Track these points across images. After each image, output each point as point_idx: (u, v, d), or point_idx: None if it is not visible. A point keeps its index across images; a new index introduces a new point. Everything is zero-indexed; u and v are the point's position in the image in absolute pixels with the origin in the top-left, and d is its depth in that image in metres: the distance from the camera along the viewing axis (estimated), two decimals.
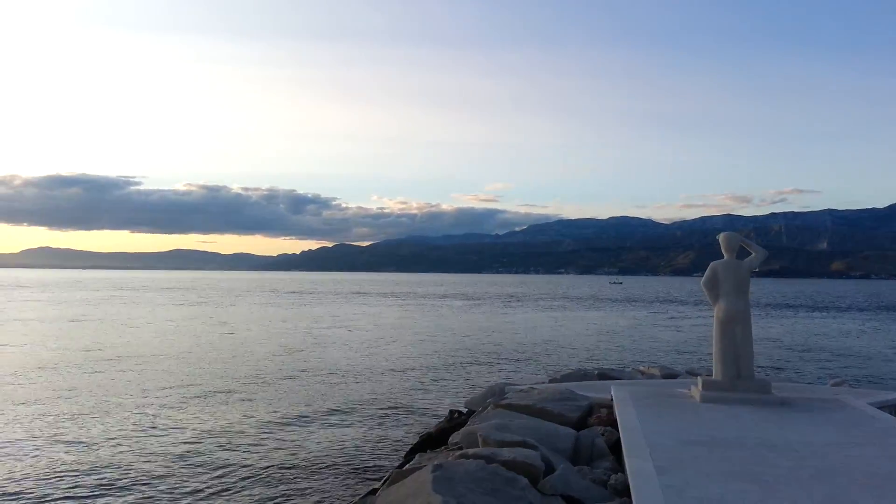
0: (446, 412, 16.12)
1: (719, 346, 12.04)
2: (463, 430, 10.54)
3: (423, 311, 64.87)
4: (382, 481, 10.78)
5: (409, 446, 13.82)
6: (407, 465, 9.93)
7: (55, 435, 15.16)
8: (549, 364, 27.82)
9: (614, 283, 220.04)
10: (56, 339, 34.85)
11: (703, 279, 12.35)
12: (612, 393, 11.91)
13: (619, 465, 8.63)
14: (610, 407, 11.41)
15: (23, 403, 18.54)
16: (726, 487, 6.96)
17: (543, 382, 16.51)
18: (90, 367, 25.39)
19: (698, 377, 13.00)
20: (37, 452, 13.76)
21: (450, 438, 11.13)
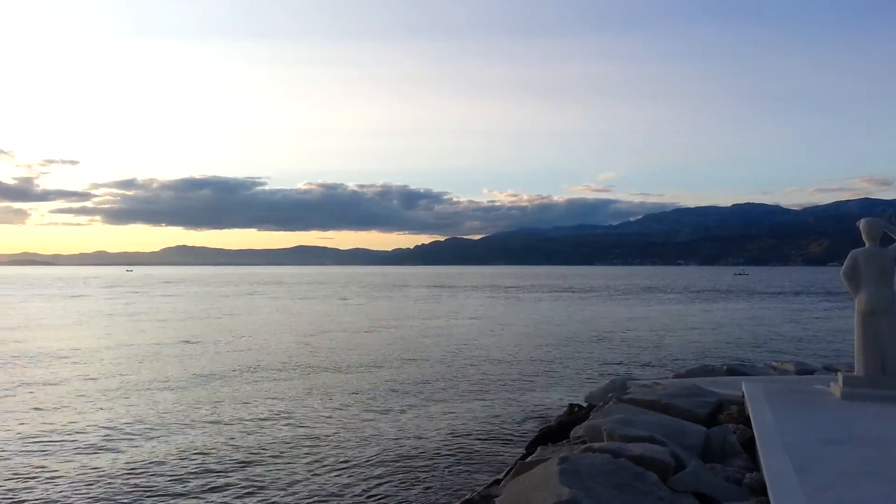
0: (565, 406, 16.10)
1: (861, 340, 11.29)
2: (586, 423, 10.52)
3: (534, 303, 64.61)
4: (505, 472, 10.97)
5: (529, 439, 13.93)
6: (530, 458, 10.04)
7: (189, 418, 16.55)
8: (671, 359, 26.99)
9: (739, 274, 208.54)
10: (198, 331, 37.71)
11: (843, 269, 11.61)
12: (744, 389, 11.45)
13: (754, 464, 8.34)
14: (741, 404, 10.99)
15: (166, 387, 20.31)
16: (870, 489, 6.58)
17: (667, 378, 16.11)
18: (228, 356, 27.33)
19: (838, 373, 12.23)
20: (178, 435, 15.08)
21: (571, 432, 11.15)
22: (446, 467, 12.73)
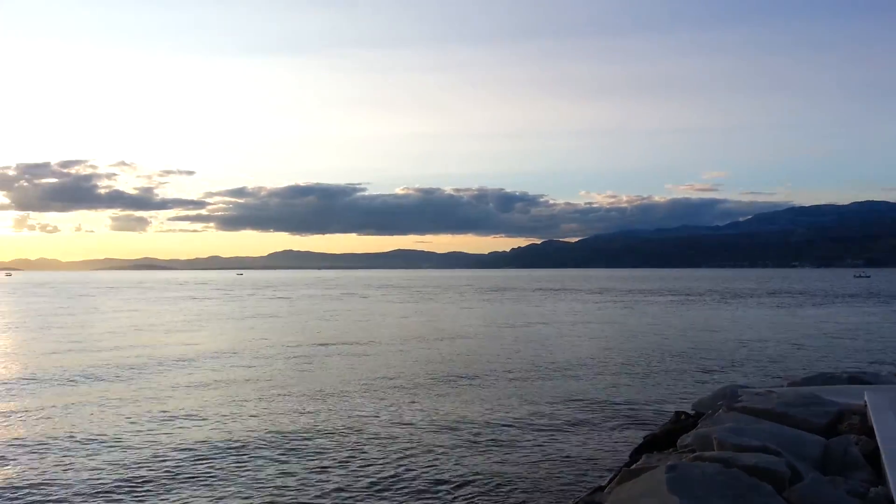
0: (670, 413, 15.68)
1: None
2: (694, 432, 10.25)
3: (636, 307, 62.88)
4: (609, 479, 10.85)
5: (633, 446, 13.68)
6: (635, 465, 9.89)
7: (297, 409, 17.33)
8: (785, 366, 25.61)
9: (859, 276, 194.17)
10: (309, 330, 39.36)
11: None
12: (867, 399, 10.77)
13: (878, 478, 7.86)
14: (863, 414, 10.35)
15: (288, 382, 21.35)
16: None
17: (781, 386, 15.37)
18: (335, 355, 28.40)
19: None
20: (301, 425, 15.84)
21: (679, 441, 10.87)
22: (548, 474, 12.70)
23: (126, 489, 11.88)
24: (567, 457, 13.72)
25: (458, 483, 12.15)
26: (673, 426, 13.41)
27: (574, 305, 67.02)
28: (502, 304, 71.37)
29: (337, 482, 12.21)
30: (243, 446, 14.52)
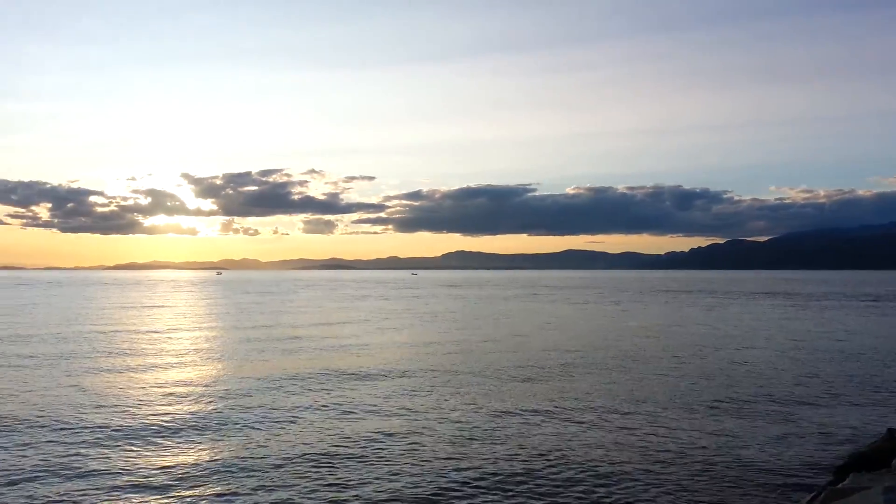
0: (881, 431, 14.19)
1: None
2: None
3: (837, 312, 56.84)
4: (811, 497, 10.05)
5: (835, 464, 12.60)
6: (841, 484, 9.10)
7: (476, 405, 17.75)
8: None
9: None
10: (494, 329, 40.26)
11: None
12: None
13: None
14: None
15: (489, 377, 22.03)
16: None
17: None
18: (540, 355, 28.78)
19: None
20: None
21: (894, 462, 9.85)
22: (743, 491, 11.97)
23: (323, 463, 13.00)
24: (760, 470, 12.87)
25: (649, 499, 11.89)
26: (887, 444, 12.17)
27: (765, 310, 62.08)
28: (683, 306, 67.91)
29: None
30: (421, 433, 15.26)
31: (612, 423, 16.78)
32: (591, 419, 17.17)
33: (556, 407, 18.57)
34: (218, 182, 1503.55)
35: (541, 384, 22.13)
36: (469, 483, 12.31)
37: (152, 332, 40.27)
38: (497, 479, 12.51)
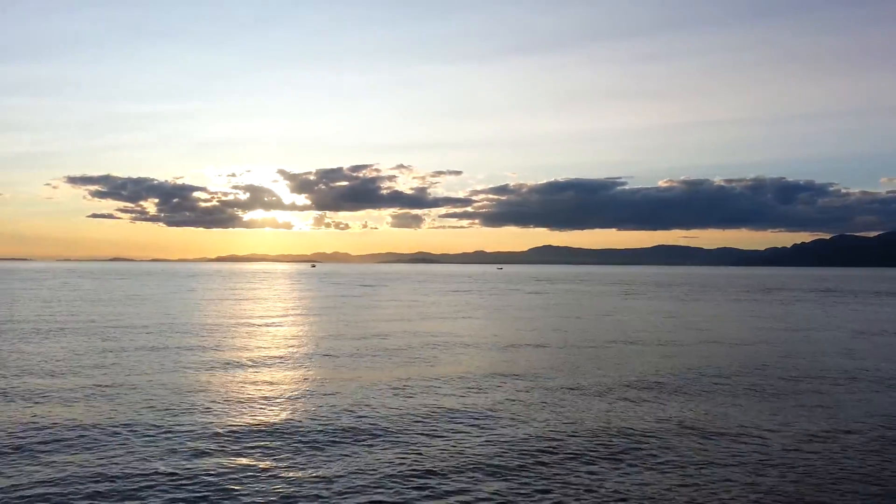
0: None
1: None
2: None
3: None
4: None
5: None
6: None
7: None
8: None
9: None
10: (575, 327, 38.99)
11: None
12: None
13: None
14: None
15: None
16: None
17: None
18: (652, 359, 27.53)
19: None
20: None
21: None
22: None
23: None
24: None
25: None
26: None
27: (882, 310, 57.34)
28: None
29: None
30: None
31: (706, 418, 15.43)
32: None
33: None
34: (311, 178, 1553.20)
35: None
36: None
37: (269, 324, 41.51)
38: None
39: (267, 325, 40.91)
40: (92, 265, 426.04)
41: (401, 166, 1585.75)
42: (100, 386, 20.23)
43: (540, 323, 43.59)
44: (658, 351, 29.65)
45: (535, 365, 25.26)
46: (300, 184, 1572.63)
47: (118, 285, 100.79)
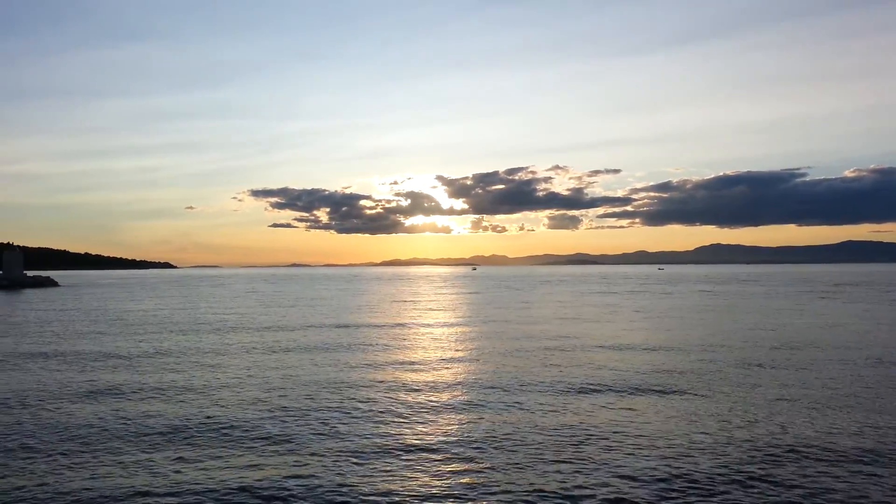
0: None
1: None
2: None
3: None
4: None
5: None
6: None
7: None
8: None
9: None
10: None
11: None
12: None
13: None
14: None
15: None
16: None
17: None
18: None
19: None
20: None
21: None
22: None
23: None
24: None
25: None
26: None
27: None
28: None
29: None
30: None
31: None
32: None
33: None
34: (468, 182, 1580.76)
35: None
36: None
37: (447, 325, 42.43)
38: None
39: (466, 326, 41.55)
40: (276, 270, 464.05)
41: (556, 167, 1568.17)
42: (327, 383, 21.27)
43: (727, 326, 40.46)
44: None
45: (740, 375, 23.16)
46: (458, 189, 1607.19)
47: (323, 286, 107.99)
